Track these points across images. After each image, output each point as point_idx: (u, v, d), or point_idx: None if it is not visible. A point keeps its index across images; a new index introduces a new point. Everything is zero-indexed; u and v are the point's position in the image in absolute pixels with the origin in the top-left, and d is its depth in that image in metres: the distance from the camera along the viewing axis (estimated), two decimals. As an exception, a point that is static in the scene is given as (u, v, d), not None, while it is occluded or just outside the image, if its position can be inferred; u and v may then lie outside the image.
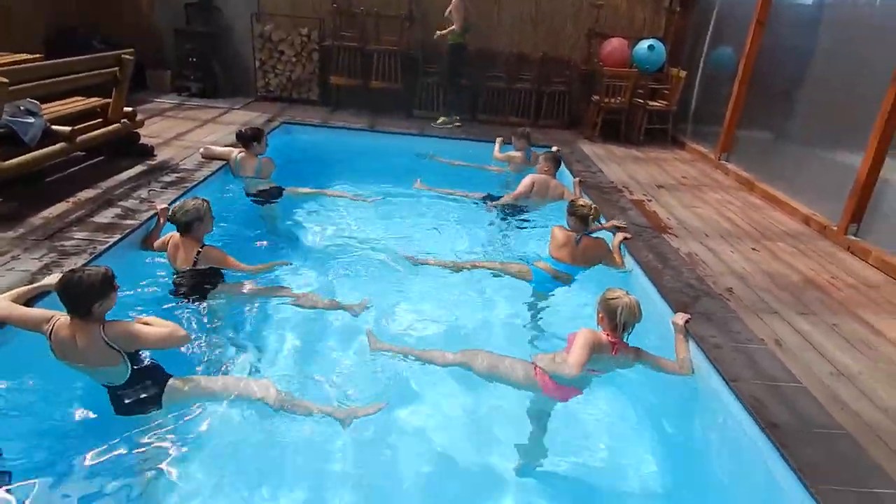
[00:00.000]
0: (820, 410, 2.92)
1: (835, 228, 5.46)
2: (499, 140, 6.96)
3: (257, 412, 2.94)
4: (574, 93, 9.45)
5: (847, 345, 3.60)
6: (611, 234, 4.83)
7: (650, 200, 6.15)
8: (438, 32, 8.23)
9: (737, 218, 5.86)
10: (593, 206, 4.46)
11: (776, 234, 5.50)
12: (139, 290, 3.73)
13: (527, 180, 5.65)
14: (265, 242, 4.90)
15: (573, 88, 9.42)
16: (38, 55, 5.72)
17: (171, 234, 3.95)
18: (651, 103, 8.85)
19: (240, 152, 5.46)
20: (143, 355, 2.84)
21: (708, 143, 8.30)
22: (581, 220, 4.37)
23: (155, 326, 2.81)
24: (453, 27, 8.09)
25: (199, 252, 3.81)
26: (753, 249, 5.05)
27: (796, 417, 2.83)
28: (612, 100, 8.77)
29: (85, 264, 3.30)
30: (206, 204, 3.88)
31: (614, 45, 8.82)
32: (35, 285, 3.08)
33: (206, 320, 3.62)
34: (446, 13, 8.13)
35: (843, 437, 2.75)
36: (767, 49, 7.06)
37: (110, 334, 2.68)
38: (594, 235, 4.52)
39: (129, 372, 2.74)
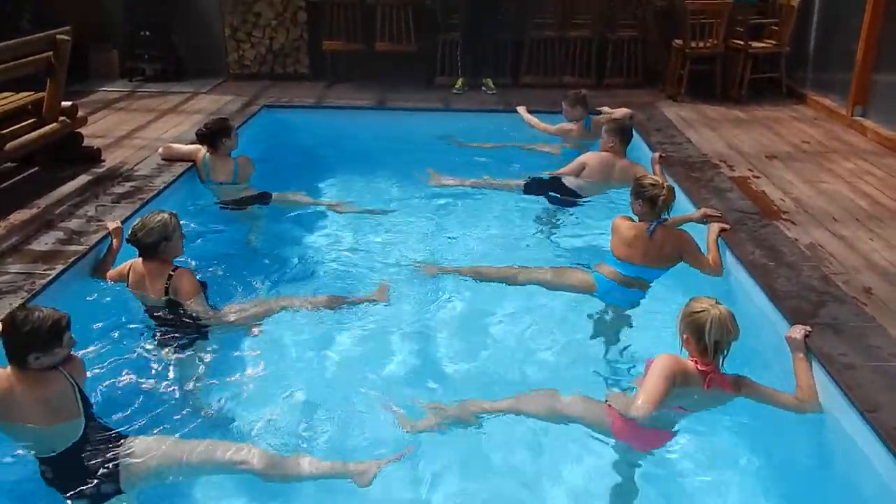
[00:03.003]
0: None
1: None
2: (521, 108, 7.10)
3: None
4: (649, 39, 9.51)
5: None
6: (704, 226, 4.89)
7: (758, 177, 6.17)
8: None
9: (879, 194, 5.84)
10: (666, 184, 4.51)
11: (935, 213, 5.47)
12: (98, 333, 3.97)
13: (579, 159, 5.81)
14: (245, 265, 5.09)
15: (648, 33, 9.49)
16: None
17: (129, 262, 4.18)
18: (755, 44, 8.82)
19: (208, 151, 5.70)
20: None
21: (837, 93, 8.24)
22: (651, 202, 4.38)
23: None
24: None
25: (170, 276, 4.01)
26: (901, 235, 5.04)
27: (957, 457, 2.86)
28: (701, 43, 8.78)
29: (23, 303, 3.55)
30: (173, 219, 4.08)
31: (700, -31, 8.86)
32: None
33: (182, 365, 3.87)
34: None
35: None
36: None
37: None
38: (677, 228, 4.58)
39: (83, 426, 2.96)
